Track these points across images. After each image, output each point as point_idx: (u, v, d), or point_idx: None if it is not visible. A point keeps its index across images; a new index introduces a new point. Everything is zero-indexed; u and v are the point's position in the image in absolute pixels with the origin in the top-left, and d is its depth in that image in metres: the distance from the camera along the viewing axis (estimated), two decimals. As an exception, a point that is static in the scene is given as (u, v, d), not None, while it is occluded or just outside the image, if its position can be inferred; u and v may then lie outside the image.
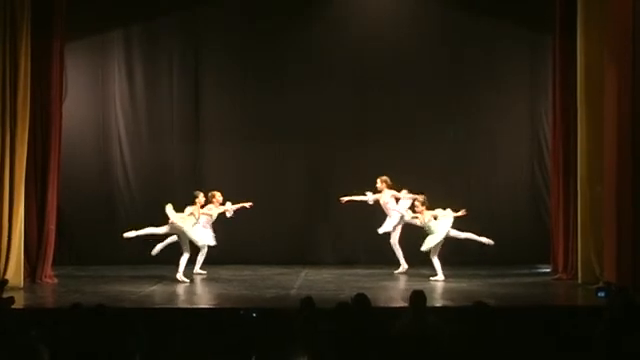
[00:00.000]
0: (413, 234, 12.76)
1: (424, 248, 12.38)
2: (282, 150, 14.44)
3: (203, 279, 12.70)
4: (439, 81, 14.32)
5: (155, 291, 11.55)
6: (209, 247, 12.77)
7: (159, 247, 12.40)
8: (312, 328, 6.97)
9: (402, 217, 12.80)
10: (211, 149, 14.54)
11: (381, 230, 12.94)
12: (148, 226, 12.39)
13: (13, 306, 8.34)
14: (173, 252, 12.40)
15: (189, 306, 10.86)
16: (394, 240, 12.99)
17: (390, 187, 12.92)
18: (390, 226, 12.91)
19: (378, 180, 12.92)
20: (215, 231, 12.78)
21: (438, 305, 10.29)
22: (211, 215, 12.64)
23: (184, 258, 12.29)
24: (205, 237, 12.62)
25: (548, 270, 13.12)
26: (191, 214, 12.27)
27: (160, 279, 12.27)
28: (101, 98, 14.46)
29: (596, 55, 11.72)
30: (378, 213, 13.03)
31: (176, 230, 12.27)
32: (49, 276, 12.32)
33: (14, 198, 11.86)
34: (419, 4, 14.46)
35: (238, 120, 14.49)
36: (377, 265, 13.45)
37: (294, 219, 14.41)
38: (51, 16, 12.23)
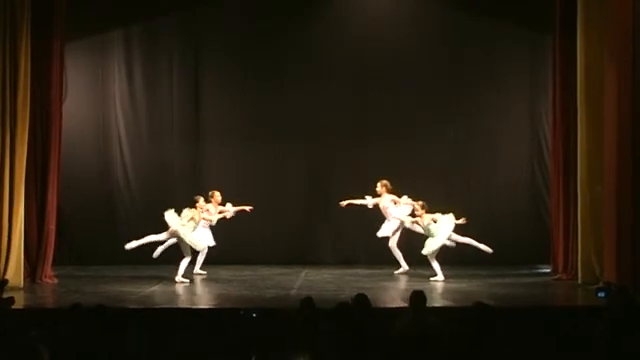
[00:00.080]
0: (413, 235, 12.77)
1: (425, 252, 12.38)
2: (282, 150, 14.44)
3: (203, 279, 12.70)
4: (439, 81, 14.32)
5: (155, 291, 11.55)
6: (209, 247, 12.78)
7: (160, 249, 12.37)
8: (312, 328, 6.97)
9: (402, 223, 12.79)
10: (211, 149, 14.54)
11: (380, 234, 12.94)
12: (147, 228, 12.41)
13: (13, 306, 8.34)
14: (173, 252, 12.39)
15: (189, 306, 10.86)
16: (392, 244, 12.97)
17: (390, 191, 12.90)
18: (389, 231, 12.89)
19: (378, 184, 12.90)
20: (215, 231, 12.78)
21: (438, 305, 10.28)
22: (211, 220, 12.62)
23: (185, 261, 12.28)
24: (204, 239, 12.63)
25: (548, 270, 13.12)
26: (191, 219, 12.25)
27: (160, 279, 12.27)
28: (101, 98, 14.46)
29: (596, 55, 11.71)
30: (378, 214, 13.02)
31: (176, 236, 12.24)
32: (49, 276, 12.32)
33: (14, 198, 11.86)
34: (419, 4, 14.47)
35: (238, 120, 14.49)
36: (377, 265, 13.44)
37: (294, 219, 14.41)
38: (51, 16, 12.23)
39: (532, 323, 7.74)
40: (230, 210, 12.89)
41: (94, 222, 14.23)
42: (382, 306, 10.00)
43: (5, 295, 8.56)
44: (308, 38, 14.40)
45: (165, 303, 10.93)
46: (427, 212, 12.41)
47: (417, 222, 12.50)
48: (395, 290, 11.86)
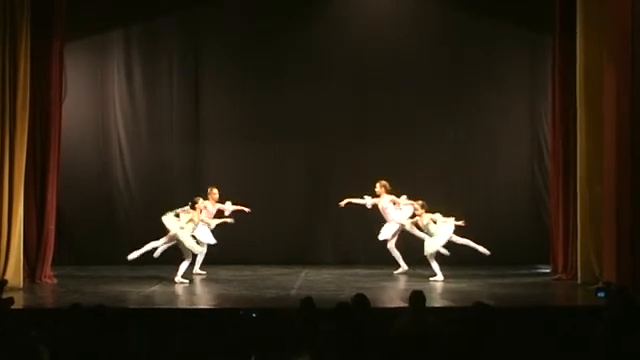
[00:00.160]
0: (412, 237, 12.75)
1: (426, 253, 12.39)
2: (282, 150, 14.44)
3: (203, 279, 12.71)
4: (439, 81, 14.32)
5: (155, 291, 11.55)
6: (210, 245, 12.78)
7: (160, 250, 12.36)
8: (312, 328, 6.97)
9: (402, 226, 12.78)
10: (211, 149, 14.54)
11: (381, 237, 12.94)
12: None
13: (13, 306, 8.34)
14: (173, 253, 12.39)
15: (189, 306, 10.86)
16: (391, 245, 12.96)
17: (389, 192, 12.89)
18: (389, 233, 12.89)
19: (377, 185, 12.89)
20: (215, 230, 12.76)
21: (438, 305, 10.28)
22: (209, 224, 12.59)
23: (185, 263, 12.27)
24: (205, 238, 12.63)
25: (548, 270, 13.12)
26: (190, 220, 12.24)
27: (160, 280, 12.26)
28: (101, 98, 14.46)
29: (596, 55, 11.72)
30: (377, 214, 13.01)
31: (176, 239, 12.23)
32: (49, 276, 12.31)
33: (14, 198, 11.85)
34: (419, 4, 14.47)
35: (238, 120, 14.49)
36: (377, 265, 13.43)
37: (294, 219, 14.41)
38: (51, 16, 12.23)
39: (532, 323, 7.75)
40: (229, 208, 12.90)
41: (94, 222, 14.23)
42: (382, 306, 10.01)
43: (5, 295, 8.55)
44: (308, 38, 14.40)
45: (165, 303, 10.93)
46: (427, 212, 12.41)
47: (416, 222, 12.50)
48: (395, 290, 11.86)
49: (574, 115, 12.20)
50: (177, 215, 12.24)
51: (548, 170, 13.88)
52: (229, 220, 12.65)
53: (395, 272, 12.97)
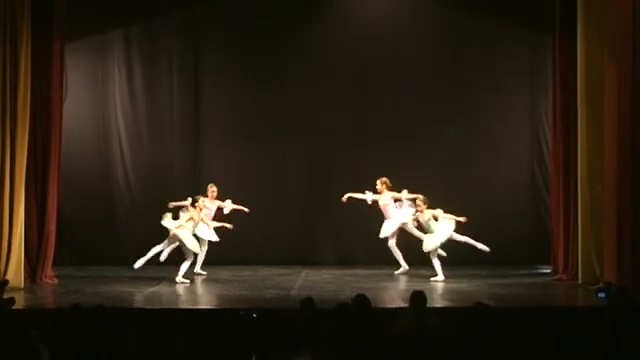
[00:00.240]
0: (413, 236, 12.75)
1: (425, 249, 12.40)
2: (282, 150, 14.44)
3: (203, 280, 12.70)
4: (439, 81, 14.31)
5: (155, 292, 11.55)
6: (211, 246, 12.77)
7: (166, 253, 12.32)
8: (312, 329, 6.97)
9: (404, 224, 12.78)
10: (211, 149, 14.54)
11: (382, 234, 12.94)
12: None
13: (13, 307, 8.34)
14: (174, 253, 12.38)
15: (189, 307, 10.86)
16: (392, 243, 12.96)
17: (390, 189, 12.90)
18: (389, 231, 12.89)
19: (378, 182, 12.89)
20: (215, 230, 12.76)
21: (438, 306, 10.28)
22: (208, 225, 12.57)
23: (186, 263, 12.27)
24: (207, 235, 12.62)
25: (548, 271, 13.12)
26: (190, 218, 12.23)
27: (160, 280, 12.26)
28: (101, 98, 14.46)
29: (596, 55, 11.71)
30: (378, 214, 13.02)
31: (177, 239, 12.23)
32: (49, 277, 12.32)
33: (14, 199, 11.85)
34: (419, 4, 14.46)
35: (238, 120, 14.49)
36: (377, 265, 13.43)
37: (294, 219, 14.41)
38: (51, 16, 12.23)
39: (532, 323, 7.74)
40: (228, 206, 12.89)
41: (94, 222, 14.23)
42: (382, 306, 10.00)
43: (5, 295, 8.56)
44: (308, 38, 14.40)
45: (165, 303, 10.93)
46: (428, 207, 12.41)
47: (417, 218, 12.48)
48: (395, 290, 11.86)
49: (575, 115, 12.20)
50: (175, 215, 12.24)
51: (548, 170, 13.87)
52: (228, 225, 12.61)
53: (396, 272, 12.96)
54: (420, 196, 12.53)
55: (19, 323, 7.50)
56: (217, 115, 14.53)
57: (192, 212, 12.26)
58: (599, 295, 8.65)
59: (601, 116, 11.60)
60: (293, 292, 11.27)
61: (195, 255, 12.54)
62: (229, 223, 12.64)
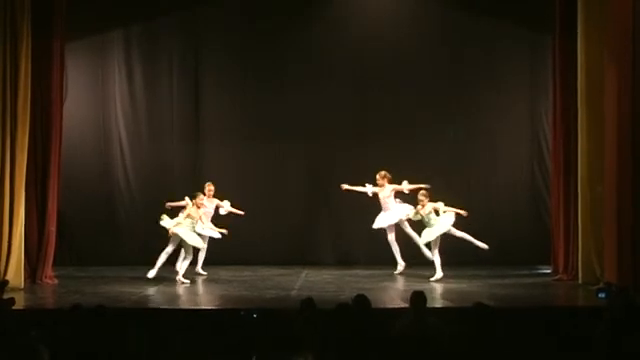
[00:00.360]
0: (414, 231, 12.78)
1: (422, 242, 12.41)
2: (282, 150, 14.43)
3: (203, 280, 12.70)
4: (439, 81, 14.31)
5: (155, 292, 11.55)
6: (211, 245, 12.75)
7: (181, 260, 12.32)
8: (312, 329, 6.96)
9: (400, 220, 12.79)
10: (211, 149, 14.53)
11: (375, 225, 12.93)
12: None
13: (13, 307, 8.34)
14: (173, 253, 12.38)
15: (189, 307, 10.86)
16: (391, 238, 12.97)
17: (390, 181, 12.91)
18: (384, 223, 12.88)
19: (378, 176, 12.88)
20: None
21: (438, 306, 10.29)
22: (203, 224, 12.55)
23: (186, 262, 12.28)
24: (208, 232, 12.62)
25: (548, 271, 13.11)
26: (188, 215, 12.22)
27: (160, 280, 12.25)
28: (101, 98, 14.45)
29: (596, 55, 11.71)
30: (379, 211, 13.00)
31: (179, 239, 12.22)
32: (49, 277, 12.32)
33: (15, 199, 11.86)
34: (419, 4, 14.46)
35: (238, 120, 14.48)
36: (377, 266, 13.43)
37: (294, 219, 14.40)
38: (51, 16, 12.23)
39: (532, 323, 7.73)
40: (226, 207, 12.88)
41: (94, 222, 14.23)
42: (382, 307, 9.99)
43: (6, 296, 8.57)
44: (308, 38, 14.40)
45: (165, 304, 10.94)
46: (430, 201, 12.41)
47: (419, 211, 12.45)
48: (395, 290, 11.87)
49: (575, 115, 12.19)
50: (174, 216, 12.24)
51: (548, 170, 13.86)
52: (224, 231, 12.61)
53: (395, 272, 12.96)
54: (422, 185, 12.50)
55: (19, 323, 7.50)
56: (217, 115, 14.53)
57: (189, 209, 12.24)
58: (599, 295, 8.65)
59: (601, 116, 11.60)
60: (293, 292, 11.27)
61: (196, 252, 12.53)
62: (225, 227, 12.63)
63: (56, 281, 12.34)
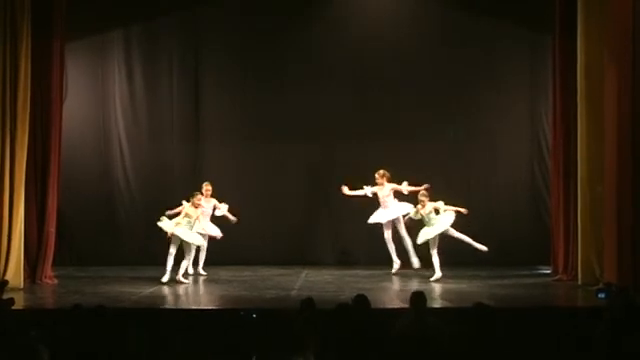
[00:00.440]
0: (413, 232, 12.75)
1: (419, 241, 12.43)
2: (282, 150, 14.42)
3: (203, 280, 12.70)
4: (439, 81, 14.30)
5: (155, 292, 11.55)
6: (213, 244, 12.74)
7: (185, 262, 12.33)
8: (312, 329, 6.96)
9: (397, 219, 12.80)
10: (211, 149, 14.53)
11: (371, 220, 12.92)
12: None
13: (13, 307, 8.34)
14: (179, 252, 12.39)
15: (189, 307, 10.86)
16: (388, 236, 12.97)
17: (390, 180, 12.92)
18: (382, 218, 12.88)
19: (377, 175, 12.88)
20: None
21: (438, 306, 10.28)
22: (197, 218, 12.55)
23: (185, 262, 12.28)
24: (209, 230, 12.61)
25: (548, 271, 13.10)
26: (186, 215, 12.20)
27: (160, 280, 12.24)
28: (101, 98, 14.46)
29: (596, 55, 11.71)
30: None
31: (179, 239, 12.22)
32: (49, 277, 12.31)
33: (14, 199, 11.86)
34: (419, 4, 14.46)
35: (238, 120, 14.48)
36: (377, 266, 13.42)
37: (294, 219, 14.40)
38: (51, 16, 12.23)
39: (532, 324, 7.74)
40: (223, 209, 12.86)
41: (94, 222, 14.22)
42: (382, 307, 9.99)
43: (5, 296, 8.57)
44: (308, 38, 14.39)
45: (165, 304, 10.93)
46: (430, 200, 12.41)
47: (419, 210, 12.45)
48: (395, 291, 11.86)
49: (574, 115, 12.18)
50: (170, 217, 12.26)
51: (548, 170, 13.86)
52: (218, 213, 12.59)
53: (392, 272, 12.95)
54: (422, 188, 12.50)
55: (19, 323, 7.50)
56: (217, 115, 14.53)
57: (187, 209, 12.23)
58: (599, 296, 8.65)
59: (601, 116, 11.59)
60: (293, 292, 11.27)
61: (197, 252, 12.52)
62: (224, 227, 12.62)
63: (56, 281, 12.34)
